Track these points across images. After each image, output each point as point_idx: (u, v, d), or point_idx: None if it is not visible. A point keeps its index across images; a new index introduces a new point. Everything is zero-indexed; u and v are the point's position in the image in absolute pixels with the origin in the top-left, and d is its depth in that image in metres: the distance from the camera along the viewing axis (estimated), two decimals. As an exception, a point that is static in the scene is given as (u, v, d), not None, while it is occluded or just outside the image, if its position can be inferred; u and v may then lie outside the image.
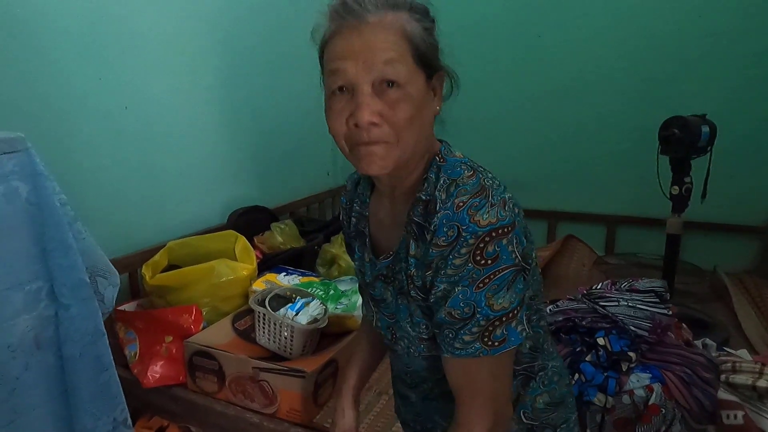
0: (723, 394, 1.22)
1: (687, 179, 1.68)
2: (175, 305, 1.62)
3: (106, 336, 1.11)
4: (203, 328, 1.59)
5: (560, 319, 1.29)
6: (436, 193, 0.69)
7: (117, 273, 1.16)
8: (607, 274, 2.06)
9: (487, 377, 0.66)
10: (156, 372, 1.54)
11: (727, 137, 1.76)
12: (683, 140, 1.61)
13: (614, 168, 2.47)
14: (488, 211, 0.63)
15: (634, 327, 1.21)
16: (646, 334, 1.21)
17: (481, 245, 0.62)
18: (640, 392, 1.14)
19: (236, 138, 2.25)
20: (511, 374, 0.72)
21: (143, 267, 1.68)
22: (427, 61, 0.70)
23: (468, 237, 0.62)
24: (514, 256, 0.63)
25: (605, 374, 1.17)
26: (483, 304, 0.63)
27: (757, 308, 1.86)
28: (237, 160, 2.26)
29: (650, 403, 1.12)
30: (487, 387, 0.67)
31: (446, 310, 0.65)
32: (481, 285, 0.63)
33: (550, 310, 1.36)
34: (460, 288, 0.64)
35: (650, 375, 1.15)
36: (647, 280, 1.34)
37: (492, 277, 0.62)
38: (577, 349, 1.23)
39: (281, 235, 1.96)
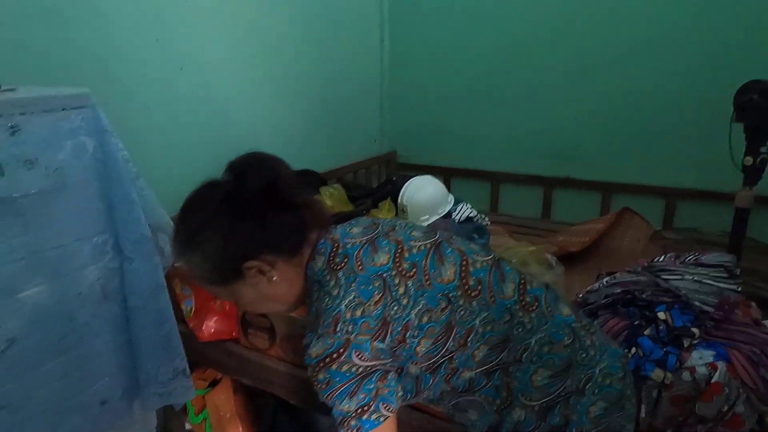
0: (793, 377, 1.15)
1: (763, 149, 1.56)
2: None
3: (166, 289, 1.15)
4: (255, 287, 1.63)
5: (618, 291, 1.24)
6: None
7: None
8: (665, 249, 1.96)
9: None
10: (210, 327, 1.60)
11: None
12: (762, 106, 1.49)
13: (676, 138, 2.32)
14: (315, 344, 0.76)
15: (699, 302, 1.15)
16: (712, 310, 1.14)
17: (314, 375, 0.76)
18: (702, 369, 1.09)
19: (287, 102, 2.26)
20: None
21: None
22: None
23: (308, 369, 0.77)
24: (351, 372, 0.74)
25: (665, 349, 1.12)
26: (334, 411, 0.75)
27: (831, 290, 1.73)
28: (287, 124, 2.27)
29: (713, 381, 1.07)
30: None
31: None
32: (327, 399, 0.75)
33: (606, 281, 1.31)
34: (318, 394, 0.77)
35: (714, 352, 1.10)
36: (716, 254, 1.26)
37: (331, 396, 0.74)
38: (635, 323, 1.18)
39: (330, 199, 1.97)
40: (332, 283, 0.80)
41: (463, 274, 0.83)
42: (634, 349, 1.15)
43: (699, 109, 2.22)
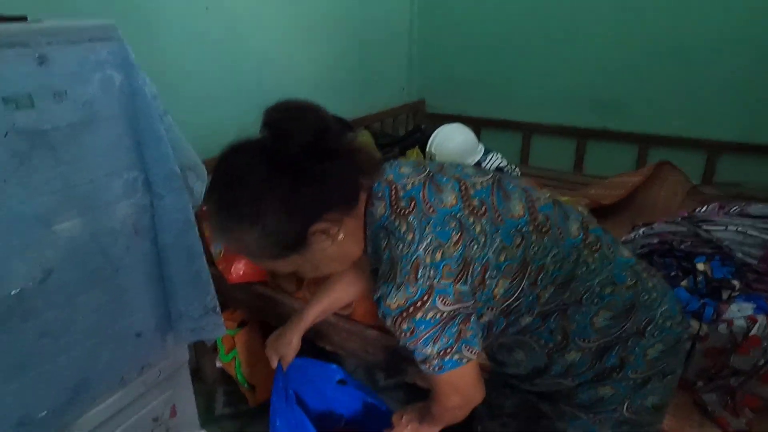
0: (836, 333, 1.11)
1: (821, 96, 1.46)
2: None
3: (196, 227, 1.16)
4: (283, 231, 1.64)
5: (655, 241, 1.20)
6: None
7: (204, 168, 1.19)
8: (705, 204, 1.89)
9: (444, 387, 0.78)
10: (239, 269, 1.62)
11: None
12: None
13: (721, 86, 2.19)
14: (395, 295, 0.72)
15: (743, 254, 1.11)
16: (755, 262, 1.10)
17: (396, 325, 0.73)
18: (740, 322, 1.05)
19: (314, 48, 2.20)
20: (477, 375, 0.78)
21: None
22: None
23: (386, 319, 0.74)
24: (435, 318, 0.71)
25: (702, 301, 1.09)
26: (416, 352, 0.74)
27: None
28: (314, 70, 2.22)
29: (751, 334, 1.04)
30: (446, 392, 0.79)
31: None
32: (411, 345, 0.74)
33: (643, 232, 1.27)
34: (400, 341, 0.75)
35: (754, 305, 1.06)
36: (763, 205, 1.20)
37: (415, 342, 0.73)
38: (672, 274, 1.14)
39: (357, 146, 1.94)
40: (404, 228, 0.74)
41: (531, 210, 0.79)
42: (669, 300, 1.13)
43: (745, 55, 2.08)
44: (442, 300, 0.71)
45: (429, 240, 0.72)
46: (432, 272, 0.71)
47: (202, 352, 1.82)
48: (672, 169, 2.14)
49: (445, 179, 0.79)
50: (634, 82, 2.37)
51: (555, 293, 0.79)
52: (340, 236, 0.76)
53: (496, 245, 0.75)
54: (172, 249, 1.13)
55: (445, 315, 0.71)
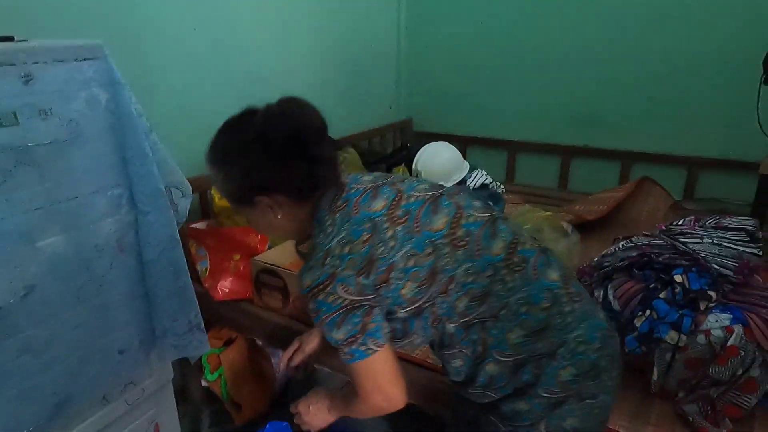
0: (812, 342, 1.13)
1: (792, 113, 1.51)
2: (242, 226, 1.68)
3: (180, 244, 1.16)
4: (269, 248, 1.65)
5: (634, 254, 1.22)
6: None
7: (189, 185, 1.20)
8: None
9: (360, 380, 0.86)
10: (225, 287, 1.62)
11: None
12: (793, 68, 1.43)
13: (700, 104, 2.25)
14: (306, 275, 0.84)
15: (718, 265, 1.13)
16: (730, 273, 1.12)
17: (307, 303, 0.85)
18: (717, 332, 1.07)
19: (302, 66, 2.24)
20: (391, 371, 0.86)
21: (212, 188, 1.74)
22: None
23: (303, 296, 0.85)
24: (336, 303, 0.81)
25: (680, 312, 1.11)
26: (327, 337, 0.84)
27: None
28: (302, 88, 2.22)
29: (728, 344, 1.06)
30: (362, 385, 0.86)
31: None
32: (318, 326, 0.85)
33: (623, 245, 1.29)
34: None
35: (731, 316, 1.08)
36: (737, 218, 1.23)
37: (321, 323, 0.83)
38: (651, 285, 1.16)
39: (344, 163, 1.96)
40: (328, 222, 0.87)
41: (453, 225, 0.86)
42: (648, 312, 1.14)
43: (725, 74, 2.14)
44: (344, 288, 0.81)
45: (343, 235, 0.84)
46: (337, 262, 0.82)
47: (187, 372, 1.80)
48: (653, 185, 2.18)
49: (387, 189, 0.90)
50: (617, 100, 2.43)
51: (471, 305, 0.84)
52: (279, 216, 0.91)
53: (405, 250, 0.83)
54: (156, 265, 1.14)
55: (346, 302, 0.81)
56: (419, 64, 2.90)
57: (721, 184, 2.28)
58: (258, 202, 0.89)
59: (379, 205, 0.87)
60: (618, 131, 2.47)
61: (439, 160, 2.06)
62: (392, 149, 2.71)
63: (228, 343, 1.75)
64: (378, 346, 0.82)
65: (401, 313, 0.86)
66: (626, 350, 1.15)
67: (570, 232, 1.78)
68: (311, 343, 1.25)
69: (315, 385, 1.76)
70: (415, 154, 2.10)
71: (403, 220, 0.85)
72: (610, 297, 1.22)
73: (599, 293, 1.25)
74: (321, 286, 0.81)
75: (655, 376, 1.14)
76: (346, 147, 2.31)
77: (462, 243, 0.85)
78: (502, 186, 2.14)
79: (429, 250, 0.84)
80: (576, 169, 2.63)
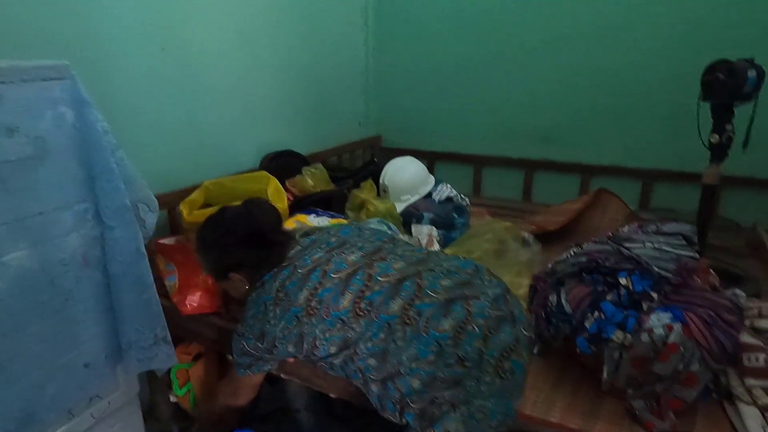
0: (747, 338, 1.21)
1: (729, 127, 1.61)
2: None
3: (147, 258, 1.19)
4: (237, 262, 1.67)
5: (583, 260, 1.30)
6: None
7: (156, 200, 1.23)
8: (640, 228, 2.02)
9: (232, 380, 1.34)
10: (194, 301, 1.64)
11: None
12: (727, 85, 1.54)
13: (651, 119, 2.38)
14: (239, 325, 1.23)
15: (659, 268, 1.21)
16: (670, 275, 1.20)
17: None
18: (659, 331, 1.14)
19: (271, 85, 2.29)
20: (247, 390, 1.36)
21: (181, 204, 1.76)
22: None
23: None
24: (241, 349, 1.22)
25: (625, 313, 1.18)
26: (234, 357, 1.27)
27: (796, 265, 1.81)
28: (272, 106, 2.30)
29: (669, 341, 1.13)
30: (230, 383, 1.36)
31: None
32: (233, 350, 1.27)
33: (574, 252, 1.36)
34: None
35: (671, 315, 1.15)
36: (675, 224, 1.32)
37: (232, 350, 1.26)
38: (599, 289, 1.23)
39: (312, 179, 2.01)
40: (252, 297, 1.21)
41: (357, 300, 1.08)
42: (597, 313, 1.21)
43: (671, 90, 2.27)
44: (246, 344, 1.19)
45: (252, 311, 1.18)
46: (246, 329, 1.19)
47: (155, 389, 1.80)
48: (611, 196, 2.29)
49: (313, 276, 1.15)
50: (577, 117, 2.55)
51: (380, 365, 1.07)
52: (246, 286, 1.27)
53: (281, 326, 1.13)
54: (122, 279, 1.16)
55: (245, 350, 1.20)
56: (387, 82, 2.99)
57: (673, 195, 2.40)
58: (231, 277, 1.26)
59: (272, 288, 1.17)
60: (577, 146, 2.59)
61: (405, 174, 2.13)
62: (362, 164, 2.77)
63: (197, 357, 1.75)
64: (251, 372, 1.24)
65: (299, 358, 1.19)
66: (578, 351, 1.22)
67: (531, 242, 1.86)
68: None
69: (285, 397, 1.78)
70: (382, 168, 2.16)
71: (285, 302, 1.14)
72: (563, 301, 1.29)
73: (553, 298, 1.32)
74: (237, 337, 1.21)
75: (605, 375, 1.20)
76: (315, 164, 2.36)
77: (362, 312, 1.07)
78: (466, 199, 2.21)
79: (294, 323, 1.12)
80: (539, 182, 2.74)
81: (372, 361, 1.05)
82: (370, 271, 1.12)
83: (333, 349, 1.09)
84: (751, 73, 1.55)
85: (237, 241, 1.22)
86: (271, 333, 1.14)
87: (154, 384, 1.78)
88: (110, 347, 1.20)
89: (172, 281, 1.68)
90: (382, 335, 1.04)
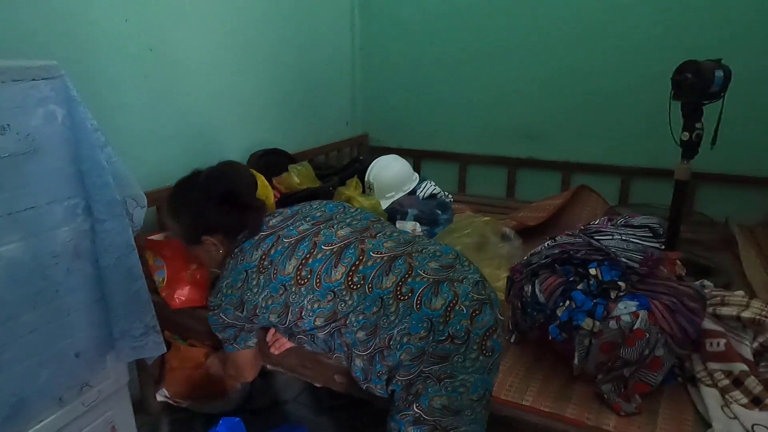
0: (709, 325, 1.28)
1: (698, 125, 1.68)
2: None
3: (136, 250, 1.23)
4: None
5: (556, 252, 1.36)
6: None
7: (145, 196, 1.28)
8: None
9: (228, 360, 1.36)
10: (182, 295, 1.67)
11: (743, 84, 1.75)
12: (696, 85, 1.61)
13: (629, 117, 2.46)
14: (210, 298, 1.22)
15: (626, 259, 1.27)
16: (636, 266, 1.26)
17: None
18: (626, 318, 1.20)
19: (259, 83, 2.33)
20: (246, 365, 1.33)
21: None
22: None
23: None
24: (220, 321, 1.20)
25: (594, 301, 1.24)
26: (217, 335, 1.26)
27: (765, 258, 1.88)
28: (259, 105, 2.34)
29: (635, 327, 1.19)
30: (228, 362, 1.36)
31: None
32: (212, 328, 1.25)
33: (548, 244, 1.42)
34: None
35: (637, 303, 1.21)
36: (643, 217, 1.38)
37: (212, 326, 1.24)
38: (570, 279, 1.29)
39: (298, 176, 2.05)
40: (228, 264, 1.19)
41: (350, 273, 1.09)
42: (568, 302, 1.27)
43: (648, 89, 2.34)
44: (225, 315, 1.18)
45: (230, 279, 1.16)
46: (223, 298, 1.17)
47: (145, 383, 1.83)
48: (590, 193, 2.35)
49: (304, 245, 1.15)
50: (558, 116, 2.63)
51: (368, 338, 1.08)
52: (221, 251, 1.25)
53: (264, 294, 1.13)
54: (113, 270, 1.20)
55: (226, 323, 1.20)
56: (374, 82, 3.04)
57: (650, 190, 2.48)
58: (204, 241, 1.23)
59: (256, 256, 1.15)
60: (558, 144, 2.66)
61: (390, 172, 2.18)
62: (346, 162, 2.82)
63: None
64: (241, 347, 1.25)
65: (281, 330, 1.22)
66: (551, 338, 1.28)
67: (512, 237, 1.92)
68: None
69: (276, 388, 1.83)
70: (368, 166, 2.21)
71: (270, 270, 1.14)
72: (537, 291, 1.34)
73: (528, 288, 1.38)
74: (214, 309, 1.19)
75: (576, 361, 1.26)
76: (302, 162, 2.41)
77: (357, 286, 1.08)
78: (450, 196, 2.27)
79: (281, 291, 1.12)
80: (522, 179, 2.80)
81: (361, 334, 1.06)
82: (363, 246, 1.12)
83: (319, 321, 1.10)
84: (718, 74, 1.62)
85: (213, 202, 1.18)
86: (252, 301, 1.14)
87: (143, 379, 1.82)
88: (100, 336, 1.24)
89: (161, 276, 1.72)
90: (374, 309, 1.05)
